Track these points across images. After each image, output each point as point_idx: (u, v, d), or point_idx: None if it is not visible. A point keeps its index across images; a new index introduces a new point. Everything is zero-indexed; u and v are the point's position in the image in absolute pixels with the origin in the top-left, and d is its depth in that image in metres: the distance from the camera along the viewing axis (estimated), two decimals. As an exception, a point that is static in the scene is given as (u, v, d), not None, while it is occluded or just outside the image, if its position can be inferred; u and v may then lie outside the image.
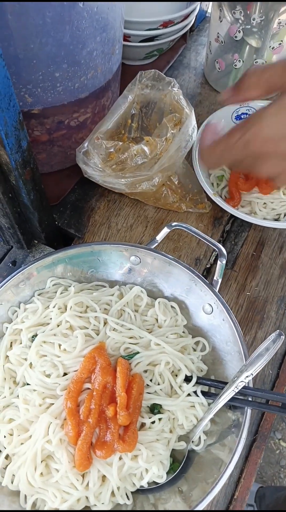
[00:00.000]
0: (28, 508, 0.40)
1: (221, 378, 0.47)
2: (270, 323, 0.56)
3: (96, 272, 0.54)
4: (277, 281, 0.59)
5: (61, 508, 0.39)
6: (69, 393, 0.42)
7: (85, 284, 0.54)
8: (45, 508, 0.40)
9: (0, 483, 0.41)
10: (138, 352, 0.46)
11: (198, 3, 0.80)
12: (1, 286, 0.48)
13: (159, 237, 0.54)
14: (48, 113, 0.58)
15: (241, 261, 0.61)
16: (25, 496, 0.41)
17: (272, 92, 0.41)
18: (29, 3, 0.44)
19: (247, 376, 0.41)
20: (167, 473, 0.43)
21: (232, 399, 0.43)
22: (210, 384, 0.46)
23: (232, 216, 0.65)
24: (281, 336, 0.41)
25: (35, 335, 0.47)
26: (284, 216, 0.60)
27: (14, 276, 0.49)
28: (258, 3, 0.71)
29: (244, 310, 0.57)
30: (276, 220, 0.60)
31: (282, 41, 0.72)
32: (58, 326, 0.48)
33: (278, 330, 0.41)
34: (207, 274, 0.61)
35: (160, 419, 0.43)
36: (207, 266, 0.61)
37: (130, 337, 0.48)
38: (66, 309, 0.49)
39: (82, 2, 0.49)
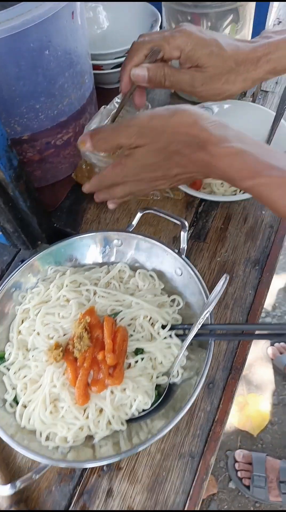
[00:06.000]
0: (43, 441, 0.48)
1: (193, 325, 0.54)
2: (239, 280, 0.63)
3: (86, 256, 0.63)
4: (243, 246, 0.66)
5: (68, 436, 0.47)
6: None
7: (79, 268, 0.62)
8: (56, 438, 0.47)
9: (20, 425, 0.49)
10: (121, 311, 0.54)
11: (158, 28, 0.90)
12: (12, 277, 0.58)
13: (135, 221, 0.62)
14: (36, 137, 0.68)
15: (211, 234, 0.68)
16: (40, 433, 0.49)
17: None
18: (5, 58, 0.55)
19: (206, 313, 0.48)
20: (154, 404, 0.50)
21: (200, 335, 0.49)
22: (181, 327, 0.53)
23: (202, 199, 0.72)
24: (226, 278, 0.48)
25: (40, 311, 0.56)
26: (240, 191, 0.67)
27: (20, 268, 0.59)
28: (204, 24, 0.80)
29: (216, 272, 0.64)
30: (234, 195, 0.67)
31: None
32: (57, 300, 0.56)
33: (225, 274, 0.48)
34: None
35: (142, 358, 0.51)
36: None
37: (115, 301, 0.55)
38: (63, 287, 0.57)
39: (47, 50, 0.59)
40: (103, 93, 0.93)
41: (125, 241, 0.61)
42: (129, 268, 0.61)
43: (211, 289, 0.62)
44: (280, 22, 1.08)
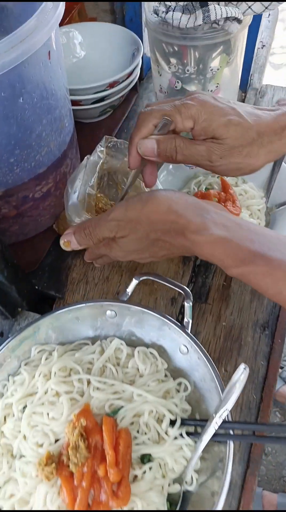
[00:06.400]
0: None
1: (205, 415, 0.46)
2: (248, 349, 0.56)
3: (77, 331, 0.55)
4: (249, 306, 0.59)
5: None
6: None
7: (68, 345, 0.54)
8: None
9: None
10: (122, 407, 0.46)
11: (139, 63, 0.82)
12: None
13: (130, 289, 0.54)
14: (11, 192, 0.59)
15: (213, 293, 0.61)
16: None
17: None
18: None
19: (223, 413, 0.41)
20: (167, 519, 0.42)
21: (215, 435, 0.42)
22: (194, 424, 0.45)
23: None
24: (246, 369, 0.41)
25: (26, 406, 0.47)
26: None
27: (-2, 352, 0.50)
28: (192, 55, 0.73)
29: (222, 340, 0.57)
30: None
31: (218, 83, 0.74)
32: (45, 393, 0.48)
33: (242, 364, 0.41)
34: (183, 312, 0.61)
35: (150, 468, 0.43)
36: (183, 303, 0.61)
37: (114, 393, 0.47)
38: (51, 376, 0.49)
39: (21, 98, 0.51)
40: (82, 128, 0.85)
41: (120, 312, 0.54)
42: (126, 345, 0.53)
43: (218, 362, 0.55)
44: (264, 46, 1.03)
